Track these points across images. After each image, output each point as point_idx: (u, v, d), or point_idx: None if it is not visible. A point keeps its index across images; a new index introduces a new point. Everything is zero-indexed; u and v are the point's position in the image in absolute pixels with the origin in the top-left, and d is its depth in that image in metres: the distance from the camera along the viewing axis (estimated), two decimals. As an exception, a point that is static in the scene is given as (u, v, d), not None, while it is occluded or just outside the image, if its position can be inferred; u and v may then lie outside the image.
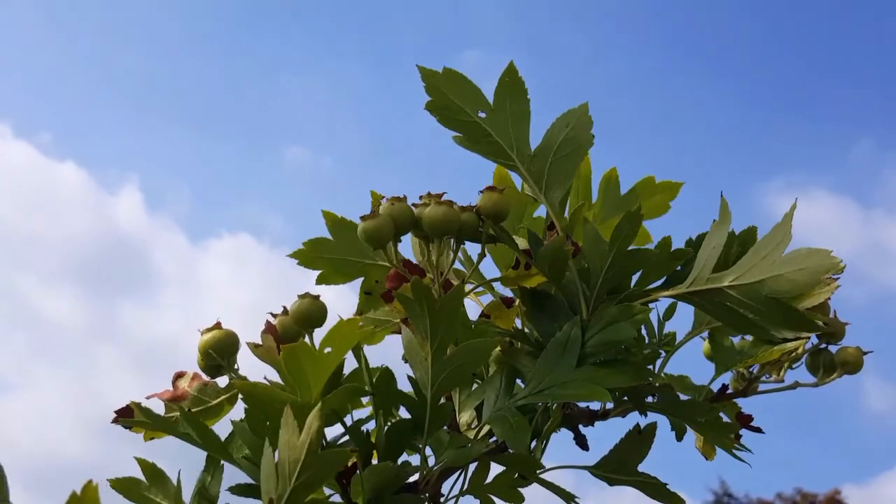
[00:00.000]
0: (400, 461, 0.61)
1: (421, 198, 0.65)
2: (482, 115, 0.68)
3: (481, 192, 0.66)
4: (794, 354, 0.77)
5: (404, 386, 0.64)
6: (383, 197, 0.68)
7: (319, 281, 0.75)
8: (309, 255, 0.74)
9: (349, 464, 0.61)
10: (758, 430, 0.79)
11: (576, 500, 0.66)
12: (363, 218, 0.62)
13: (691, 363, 0.79)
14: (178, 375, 0.66)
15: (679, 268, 0.69)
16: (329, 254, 0.74)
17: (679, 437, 0.75)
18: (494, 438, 0.64)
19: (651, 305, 0.72)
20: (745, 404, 0.79)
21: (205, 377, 0.65)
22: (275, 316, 0.64)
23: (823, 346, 0.77)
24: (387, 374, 0.61)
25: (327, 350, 0.55)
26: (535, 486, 0.67)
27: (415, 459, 0.63)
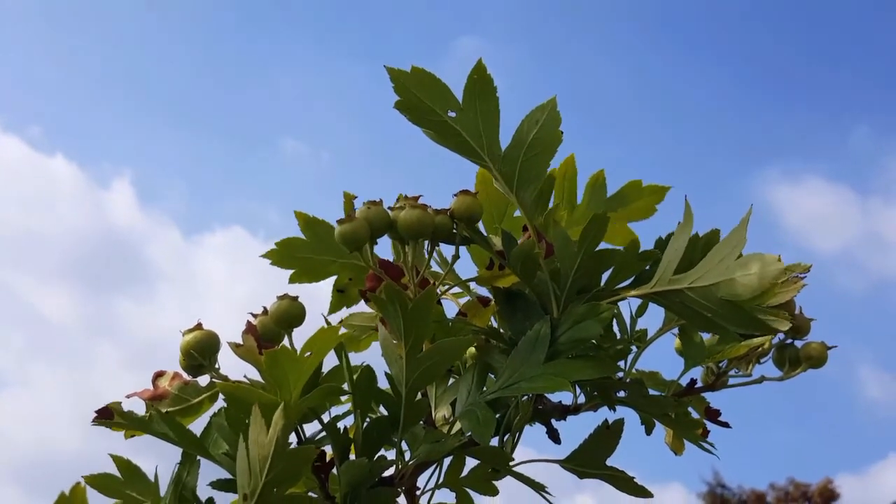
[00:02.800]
0: (376, 456, 0.63)
1: (397, 199, 0.67)
2: (452, 114, 0.69)
3: (455, 195, 0.67)
4: (760, 350, 0.79)
5: (386, 381, 0.66)
6: (356, 197, 0.70)
7: (292, 280, 0.76)
8: (282, 254, 0.75)
9: (327, 459, 0.63)
10: (725, 424, 0.81)
11: (545, 490, 0.68)
12: (340, 222, 0.64)
13: (664, 359, 0.82)
14: (158, 375, 0.68)
15: (647, 268, 0.71)
16: (301, 253, 0.75)
17: (648, 432, 0.77)
18: (468, 433, 0.66)
19: (624, 303, 0.74)
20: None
21: (185, 376, 0.67)
22: (255, 316, 0.66)
23: (789, 341, 0.79)
24: (367, 373, 0.63)
25: (308, 354, 0.57)
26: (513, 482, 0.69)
27: (391, 455, 0.65)
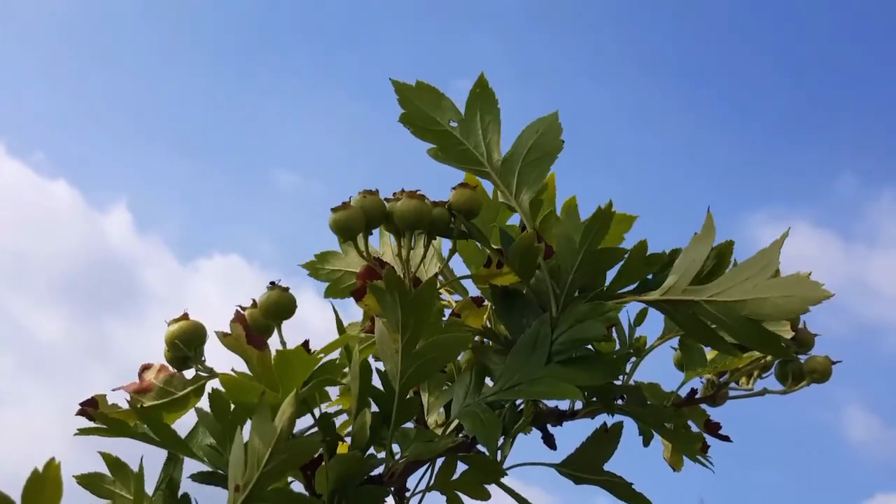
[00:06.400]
0: (366, 454, 0.61)
1: (394, 194, 0.66)
2: (454, 124, 0.70)
3: (454, 188, 0.66)
4: (763, 362, 0.77)
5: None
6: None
7: (328, 294, 0.76)
8: (318, 266, 0.76)
9: (315, 455, 0.60)
10: (726, 438, 0.79)
11: None
12: (334, 210, 0.62)
13: (662, 373, 0.80)
14: (145, 367, 0.66)
15: (651, 276, 0.69)
16: (337, 266, 0.75)
17: (646, 443, 0.75)
18: (462, 434, 0.64)
19: (622, 311, 0.72)
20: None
21: (171, 369, 0.65)
22: (244, 309, 0.64)
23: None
24: (365, 365, 0.61)
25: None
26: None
27: (380, 457, 0.63)
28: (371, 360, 0.65)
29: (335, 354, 0.62)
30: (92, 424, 0.61)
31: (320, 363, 0.58)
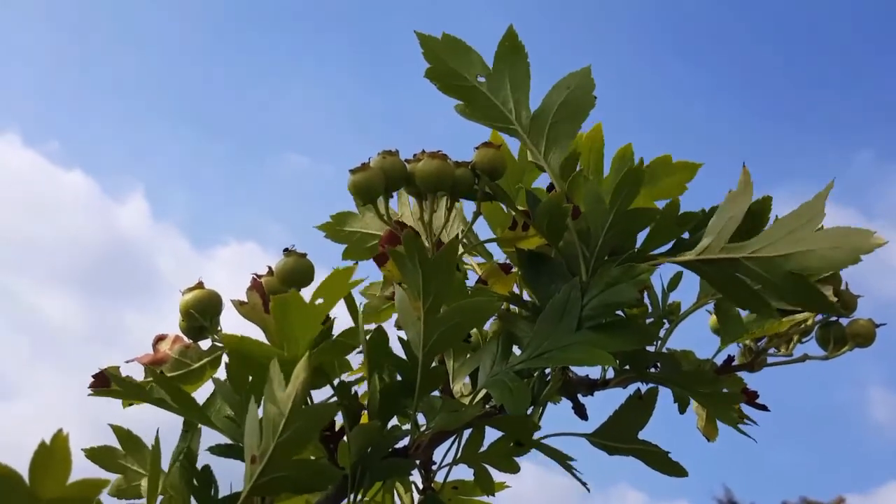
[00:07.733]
0: (390, 426, 0.58)
1: (414, 155, 0.63)
2: (481, 79, 0.67)
3: (477, 147, 0.63)
4: (803, 327, 0.74)
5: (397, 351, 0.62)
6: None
7: (345, 256, 0.74)
8: (335, 228, 0.73)
9: (336, 428, 0.58)
10: (763, 407, 0.76)
11: (570, 461, 0.63)
12: (352, 171, 0.59)
13: (697, 340, 0.77)
14: (159, 338, 0.64)
15: (686, 235, 0.66)
16: (354, 227, 0.73)
17: (682, 410, 0.72)
18: (489, 405, 0.61)
19: (655, 276, 0.69)
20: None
21: (187, 339, 0.63)
22: (260, 277, 0.61)
23: (834, 318, 0.73)
24: (380, 333, 0.58)
25: (319, 301, 0.53)
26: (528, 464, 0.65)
27: (405, 428, 0.60)
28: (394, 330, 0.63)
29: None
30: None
31: (327, 320, 0.56)
